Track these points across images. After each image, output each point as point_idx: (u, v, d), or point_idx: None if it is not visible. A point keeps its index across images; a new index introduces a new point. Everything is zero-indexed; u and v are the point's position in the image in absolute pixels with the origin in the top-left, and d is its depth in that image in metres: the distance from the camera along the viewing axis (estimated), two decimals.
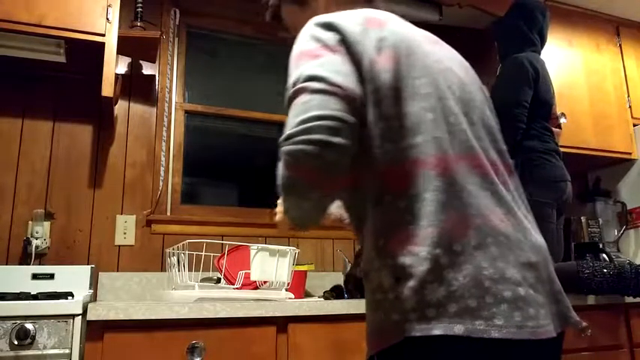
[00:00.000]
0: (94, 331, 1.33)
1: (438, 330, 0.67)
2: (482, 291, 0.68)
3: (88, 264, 1.96)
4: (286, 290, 1.75)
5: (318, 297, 2.02)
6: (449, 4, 2.36)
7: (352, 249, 2.35)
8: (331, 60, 0.78)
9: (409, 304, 0.69)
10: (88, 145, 2.09)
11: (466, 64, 0.95)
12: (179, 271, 1.75)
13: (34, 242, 1.88)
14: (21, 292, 1.49)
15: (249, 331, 1.47)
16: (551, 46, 2.43)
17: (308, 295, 2.16)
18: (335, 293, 1.89)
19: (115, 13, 1.79)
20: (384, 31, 0.84)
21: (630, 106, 2.76)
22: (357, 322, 1.56)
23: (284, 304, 1.52)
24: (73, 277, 1.85)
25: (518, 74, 2.04)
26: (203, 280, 1.91)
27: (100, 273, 1.98)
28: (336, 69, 0.77)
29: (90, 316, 1.32)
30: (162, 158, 2.19)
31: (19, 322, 1.26)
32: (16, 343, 1.24)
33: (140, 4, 2.15)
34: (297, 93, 0.76)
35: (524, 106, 1.99)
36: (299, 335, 1.52)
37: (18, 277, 1.79)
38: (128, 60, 2.22)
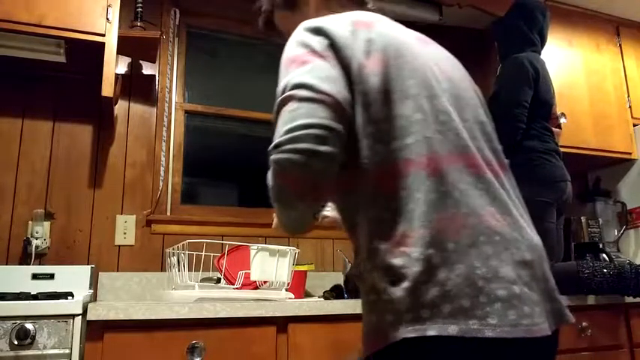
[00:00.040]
0: (94, 331, 1.33)
1: (432, 331, 0.67)
2: (476, 290, 0.68)
3: (88, 264, 1.96)
4: (286, 290, 1.75)
5: (318, 297, 2.02)
6: (449, 4, 2.36)
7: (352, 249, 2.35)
8: (319, 66, 0.79)
9: (403, 305, 0.70)
10: (88, 145, 2.09)
11: (458, 63, 0.96)
12: (179, 271, 1.75)
13: (34, 242, 1.88)
14: (21, 292, 1.49)
15: (249, 331, 1.47)
16: (551, 46, 2.43)
17: (308, 295, 2.16)
18: (335, 293, 1.89)
19: (115, 13, 1.79)
20: (372, 32, 0.84)
21: (630, 106, 2.76)
22: (357, 322, 1.55)
23: (284, 304, 1.52)
24: (73, 277, 1.85)
25: (518, 74, 2.04)
26: (203, 280, 1.91)
27: (100, 273, 1.98)
28: (324, 75, 0.77)
29: (90, 316, 1.32)
30: (163, 158, 2.19)
31: (19, 322, 1.26)
32: (16, 343, 1.24)
33: (140, 4, 2.15)
34: (285, 101, 0.77)
35: (524, 106, 1.99)
36: (299, 335, 1.52)
37: (18, 277, 1.79)
38: (128, 60, 2.22)
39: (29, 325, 1.26)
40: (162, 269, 2.08)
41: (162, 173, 2.18)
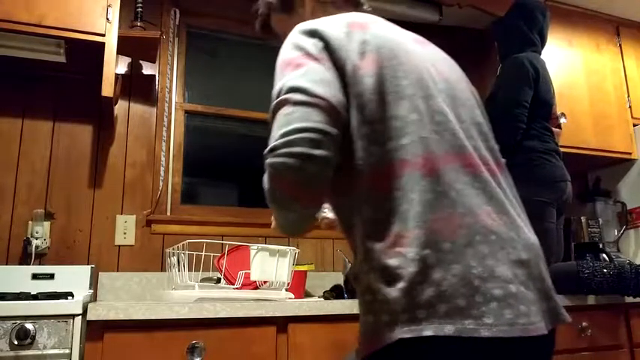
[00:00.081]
0: (94, 331, 1.33)
1: (428, 331, 0.67)
2: (472, 290, 0.68)
3: (88, 264, 1.96)
4: (286, 290, 1.75)
5: (318, 297, 2.02)
6: (449, 4, 2.36)
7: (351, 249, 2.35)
8: (313, 69, 0.79)
9: (399, 305, 0.70)
10: (88, 145, 2.09)
11: (455, 64, 0.96)
12: (179, 271, 1.75)
13: (34, 242, 1.88)
14: (21, 292, 1.48)
15: (249, 331, 1.47)
16: (551, 46, 2.43)
17: (308, 295, 2.16)
18: (335, 293, 1.89)
19: (115, 13, 1.79)
20: (367, 34, 0.84)
21: (630, 106, 2.76)
22: (356, 323, 1.54)
23: (284, 304, 1.52)
24: (73, 277, 1.85)
25: (518, 74, 2.04)
26: (203, 280, 1.91)
27: (100, 273, 1.98)
28: (318, 78, 0.77)
29: (90, 316, 1.32)
30: (163, 158, 2.20)
31: (19, 322, 1.26)
32: (16, 343, 1.24)
33: (140, 4, 2.15)
34: (280, 104, 0.77)
35: (524, 106, 1.99)
36: (299, 335, 1.52)
37: (18, 277, 1.79)
38: (128, 60, 2.22)
39: (29, 325, 1.26)
40: (163, 269, 2.08)
41: (162, 173, 2.18)
